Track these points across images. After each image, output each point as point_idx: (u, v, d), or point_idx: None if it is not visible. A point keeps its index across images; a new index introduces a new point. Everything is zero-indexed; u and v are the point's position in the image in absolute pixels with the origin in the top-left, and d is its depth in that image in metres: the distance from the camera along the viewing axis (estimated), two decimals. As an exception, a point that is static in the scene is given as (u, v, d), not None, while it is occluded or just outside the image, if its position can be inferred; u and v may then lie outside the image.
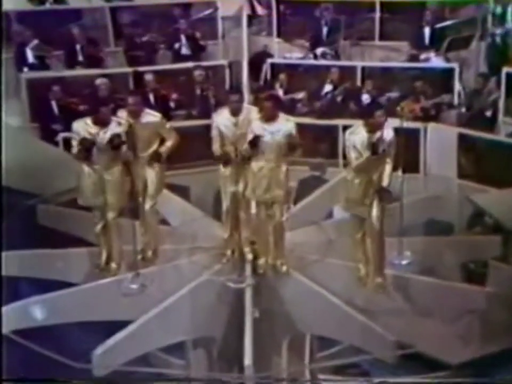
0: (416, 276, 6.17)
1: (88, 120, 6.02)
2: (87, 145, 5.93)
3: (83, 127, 6.01)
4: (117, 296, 6.01)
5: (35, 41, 8.90)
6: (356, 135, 5.79)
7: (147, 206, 6.38)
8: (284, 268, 6.22)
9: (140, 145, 6.19)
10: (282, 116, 6.00)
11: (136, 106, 6.17)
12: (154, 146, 6.28)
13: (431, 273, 6.18)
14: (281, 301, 6.07)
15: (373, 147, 5.66)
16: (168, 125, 6.39)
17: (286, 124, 5.94)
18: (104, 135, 5.96)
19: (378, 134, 5.70)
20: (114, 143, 5.92)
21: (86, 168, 6.09)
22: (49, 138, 7.81)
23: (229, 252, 6.41)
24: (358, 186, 5.86)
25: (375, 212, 5.87)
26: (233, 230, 6.41)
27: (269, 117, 5.92)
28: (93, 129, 5.98)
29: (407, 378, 5.60)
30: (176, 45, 9.40)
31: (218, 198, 6.67)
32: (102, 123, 5.97)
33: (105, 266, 6.33)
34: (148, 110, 6.31)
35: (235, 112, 6.12)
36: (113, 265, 6.32)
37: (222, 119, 6.16)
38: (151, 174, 6.33)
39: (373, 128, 5.72)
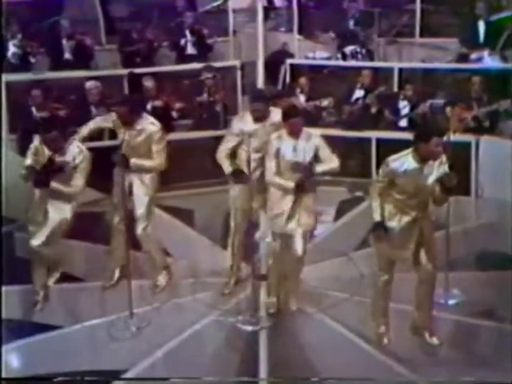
0: (466, 318, 6.14)
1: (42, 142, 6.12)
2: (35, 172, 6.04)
3: (37, 148, 6.14)
4: (106, 341, 6.02)
5: (19, 36, 9.06)
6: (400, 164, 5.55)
7: (139, 229, 6.44)
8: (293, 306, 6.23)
9: (132, 154, 6.27)
10: (305, 130, 6.04)
11: (126, 117, 6.28)
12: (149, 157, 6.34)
13: (484, 315, 6.14)
14: (302, 347, 6.04)
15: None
16: (161, 143, 6.35)
17: (311, 141, 6.00)
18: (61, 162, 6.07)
19: (430, 166, 5.53)
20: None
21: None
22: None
23: (232, 281, 6.48)
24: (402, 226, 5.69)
25: (424, 255, 5.73)
26: (241, 259, 6.49)
27: (293, 135, 5.97)
28: (46, 152, 6.09)
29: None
30: (180, 43, 9.52)
31: (227, 223, 6.71)
32: (54, 148, 6.07)
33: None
34: (146, 116, 6.42)
35: (260, 119, 6.20)
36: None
37: (245, 125, 6.22)
38: (139, 189, 6.38)
39: (425, 157, 5.51)
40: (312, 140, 6.02)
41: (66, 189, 6.13)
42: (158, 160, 6.35)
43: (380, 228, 5.65)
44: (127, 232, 6.25)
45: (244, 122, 6.25)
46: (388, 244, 5.73)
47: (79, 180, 6.14)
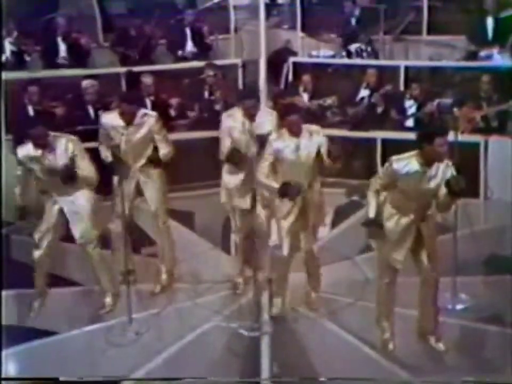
0: (474, 323, 6.17)
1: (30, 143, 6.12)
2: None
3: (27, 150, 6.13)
4: (105, 347, 6.02)
5: (15, 34, 9.13)
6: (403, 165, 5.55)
7: (159, 223, 6.56)
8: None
9: (132, 152, 6.37)
10: (306, 128, 6.06)
11: (128, 113, 6.34)
12: (148, 153, 6.42)
13: (492, 321, 6.16)
14: (305, 353, 6.06)
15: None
16: (163, 130, 6.49)
17: (314, 138, 6.02)
18: (54, 160, 6.06)
19: (434, 169, 5.53)
20: (66, 174, 6.01)
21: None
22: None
23: (240, 280, 6.58)
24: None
25: (425, 258, 5.75)
26: (245, 263, 6.56)
27: (293, 133, 6.00)
28: (36, 152, 6.08)
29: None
30: (180, 41, 9.56)
31: (228, 226, 6.76)
32: (41, 145, 6.07)
33: None
34: (140, 109, 6.47)
35: (251, 117, 6.25)
36: None
37: (235, 122, 6.28)
38: (149, 186, 6.46)
39: (429, 160, 5.50)
40: (315, 137, 6.04)
41: (90, 178, 6.15)
42: (167, 146, 6.44)
43: (371, 224, 5.68)
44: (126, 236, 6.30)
45: (233, 118, 6.29)
46: (382, 245, 5.78)
47: (90, 168, 6.15)
